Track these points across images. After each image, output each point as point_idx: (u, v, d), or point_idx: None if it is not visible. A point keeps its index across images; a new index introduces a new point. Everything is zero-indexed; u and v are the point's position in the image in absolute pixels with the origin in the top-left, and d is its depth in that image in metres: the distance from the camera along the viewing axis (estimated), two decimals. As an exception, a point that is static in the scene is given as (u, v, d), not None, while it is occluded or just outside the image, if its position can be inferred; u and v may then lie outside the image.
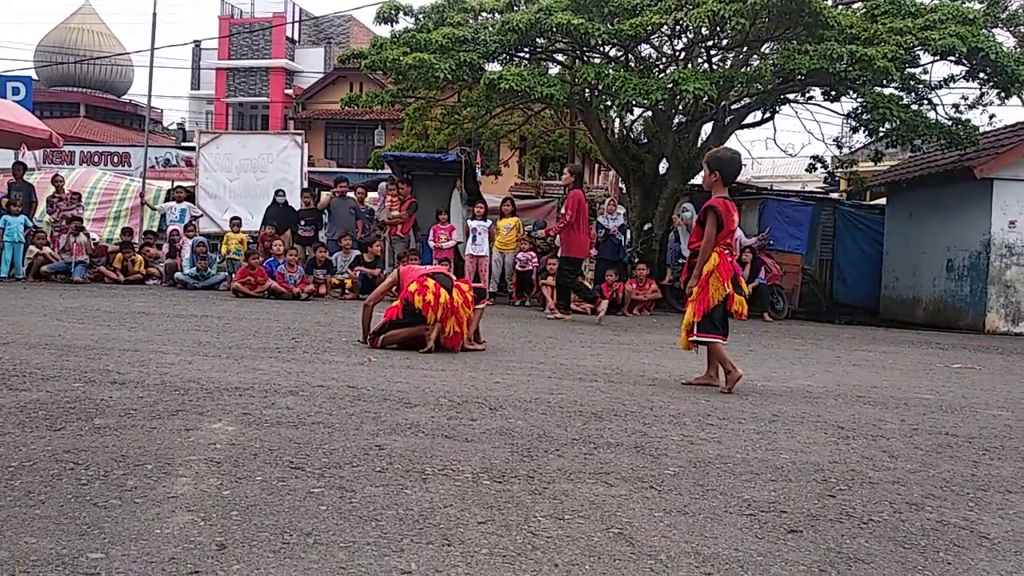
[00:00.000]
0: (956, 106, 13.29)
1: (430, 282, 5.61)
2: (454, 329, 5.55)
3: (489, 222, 12.06)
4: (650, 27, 10.86)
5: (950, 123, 11.71)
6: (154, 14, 13.73)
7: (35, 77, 26.52)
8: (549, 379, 4.67)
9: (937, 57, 11.22)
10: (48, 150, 18.50)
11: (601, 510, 2.32)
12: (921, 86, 12.30)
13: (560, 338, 7.23)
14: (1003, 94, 11.87)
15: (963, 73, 12.08)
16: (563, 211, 9.08)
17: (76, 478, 2.36)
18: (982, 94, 13.09)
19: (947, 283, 12.50)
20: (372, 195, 13.99)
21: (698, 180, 14.76)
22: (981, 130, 12.29)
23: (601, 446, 3.06)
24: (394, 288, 6.16)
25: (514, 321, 8.74)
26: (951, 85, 12.79)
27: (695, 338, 4.61)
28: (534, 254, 11.63)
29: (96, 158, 24.61)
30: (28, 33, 78.07)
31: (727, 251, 4.58)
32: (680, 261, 11.63)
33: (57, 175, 13.63)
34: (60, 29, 38.56)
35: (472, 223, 11.85)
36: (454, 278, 5.93)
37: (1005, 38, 12.56)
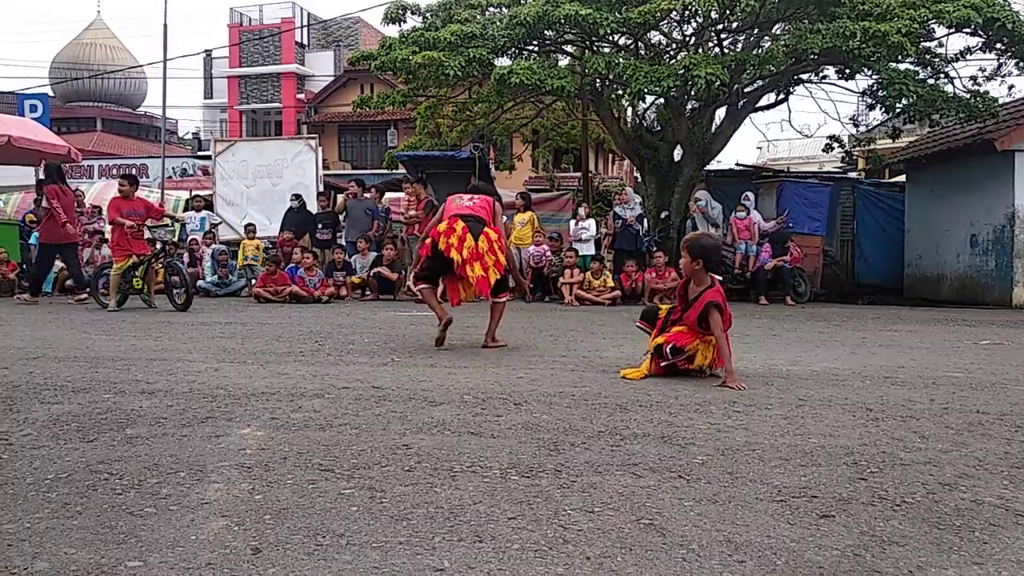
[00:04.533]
0: (974, 78, 13.08)
1: (459, 225, 5.57)
2: (480, 273, 5.52)
3: (504, 218, 12.05)
4: (659, 13, 10.77)
5: (968, 96, 11.53)
6: (165, 26, 13.85)
7: (51, 94, 26.81)
8: (572, 372, 4.66)
9: (952, 29, 11.05)
10: (67, 165, 18.71)
11: (631, 501, 2.31)
12: (937, 60, 12.13)
13: (581, 331, 7.23)
14: (1021, 64, 11.68)
15: (979, 45, 11.90)
16: (46, 205, 10.04)
17: (111, 488, 2.40)
18: (1000, 65, 12.87)
19: (972, 259, 12.32)
20: (391, 195, 14.06)
21: (713, 166, 14.69)
22: (1000, 101, 12.10)
23: (628, 437, 3.06)
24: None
25: (533, 315, 8.75)
26: (968, 57, 12.60)
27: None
28: (547, 248, 11.60)
29: (114, 171, 24.85)
30: (43, 51, 79.14)
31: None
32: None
33: (77, 190, 13.79)
34: (73, 45, 39.07)
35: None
36: (488, 221, 5.79)
37: (1021, 7, 12.35)
